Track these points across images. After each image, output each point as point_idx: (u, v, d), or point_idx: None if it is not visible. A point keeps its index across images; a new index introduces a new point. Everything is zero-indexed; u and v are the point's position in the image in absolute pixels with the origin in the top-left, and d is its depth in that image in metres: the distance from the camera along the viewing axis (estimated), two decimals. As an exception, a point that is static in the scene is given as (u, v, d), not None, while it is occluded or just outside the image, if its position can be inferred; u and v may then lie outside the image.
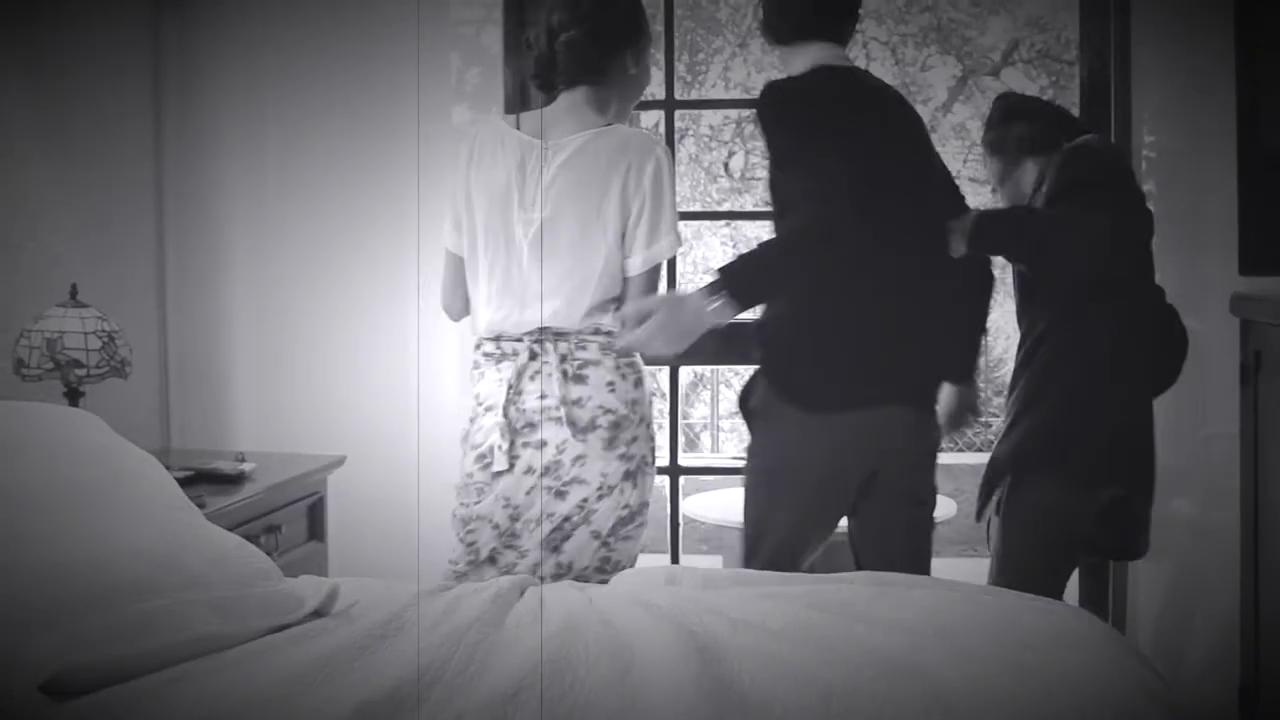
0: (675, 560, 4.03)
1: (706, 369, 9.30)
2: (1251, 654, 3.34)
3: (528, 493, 2.79)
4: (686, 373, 9.17)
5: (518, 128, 2.85)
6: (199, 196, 4.02)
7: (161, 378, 4.02)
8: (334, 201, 3.96)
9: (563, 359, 2.78)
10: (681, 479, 4.09)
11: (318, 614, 2.28)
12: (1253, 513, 3.33)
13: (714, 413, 9.29)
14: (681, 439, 4.10)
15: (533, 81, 2.96)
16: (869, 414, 2.86)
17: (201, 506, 2.82)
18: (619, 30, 2.85)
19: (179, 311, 4.03)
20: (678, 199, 2.82)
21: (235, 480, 3.26)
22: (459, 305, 2.96)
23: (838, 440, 2.86)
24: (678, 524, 4.07)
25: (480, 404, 2.86)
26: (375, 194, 3.93)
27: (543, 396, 2.78)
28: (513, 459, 2.80)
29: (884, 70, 12.01)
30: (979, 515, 3.27)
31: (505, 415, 2.79)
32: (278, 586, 2.42)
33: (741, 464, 3.13)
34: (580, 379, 2.78)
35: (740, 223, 10.99)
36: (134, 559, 2.27)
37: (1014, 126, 3.19)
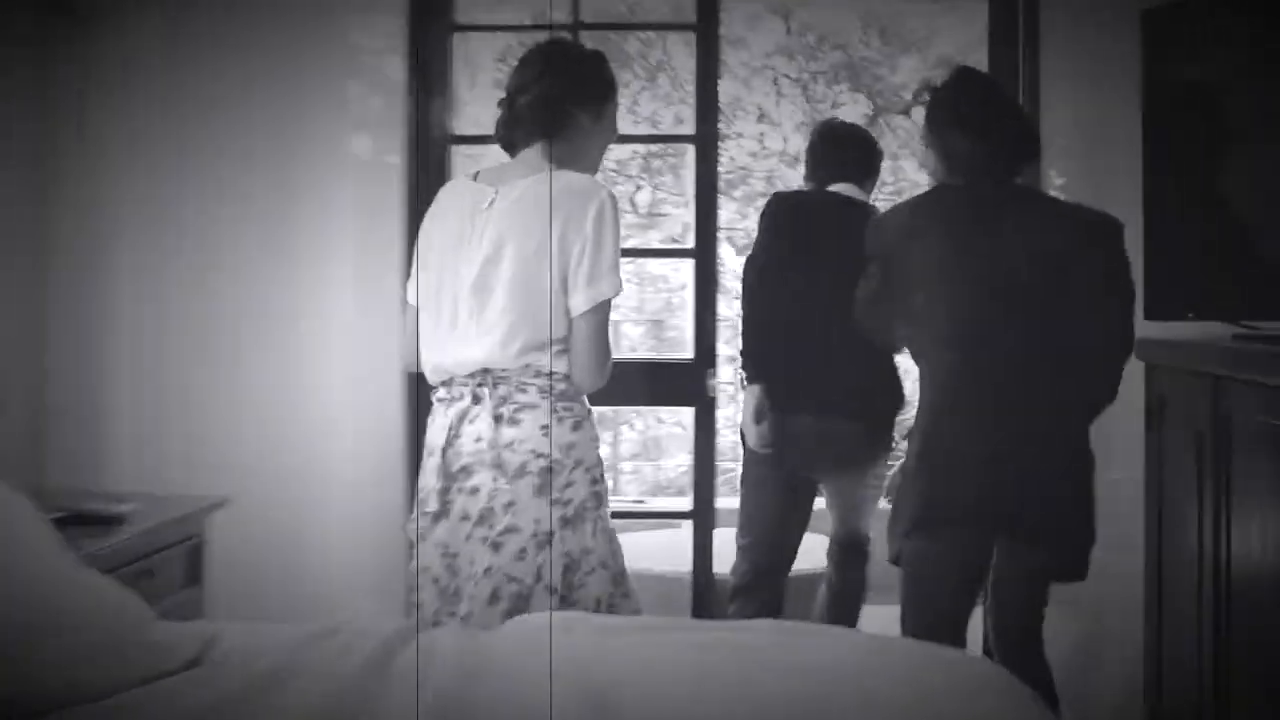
0: (574, 607, 4.01)
1: (608, 409, 9.27)
2: (1155, 700, 3.39)
3: (466, 539, 2.82)
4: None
5: (475, 180, 2.99)
6: (83, 230, 3.94)
7: (39, 414, 3.93)
8: (222, 236, 3.91)
9: (501, 401, 2.83)
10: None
11: (195, 663, 2.24)
12: (1156, 558, 3.39)
13: (615, 454, 9.28)
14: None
15: (498, 141, 3.07)
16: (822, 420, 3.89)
17: (76, 549, 2.75)
18: (574, 90, 2.98)
19: (58, 345, 3.95)
20: None
21: (112, 522, 3.19)
22: (417, 356, 3.03)
23: (802, 431, 3.89)
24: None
25: (427, 449, 2.94)
26: (266, 228, 3.90)
27: (478, 439, 2.82)
28: (446, 503, 2.85)
29: (795, 108, 12.14)
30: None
31: (442, 457, 2.86)
32: (154, 633, 2.37)
33: (642, 507, 3.22)
34: (514, 422, 2.82)
35: (645, 259, 11.01)
36: (4, 604, 2.21)
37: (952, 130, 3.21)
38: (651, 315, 10.86)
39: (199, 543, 3.48)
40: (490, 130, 3.09)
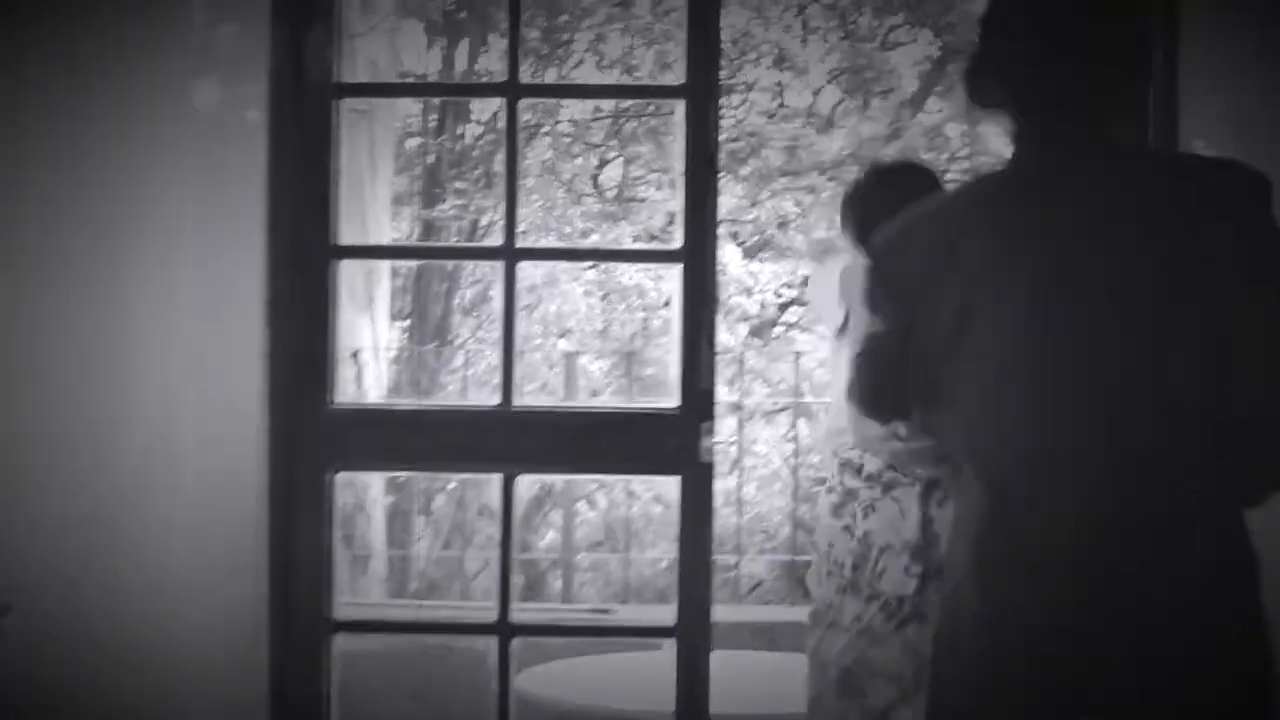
0: (505, 762, 4.02)
1: (558, 479, 9.26)
2: None
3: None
4: (529, 484, 9.06)
5: None
6: None
7: None
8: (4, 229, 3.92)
9: None
10: (515, 642, 4.09)
11: None
12: None
13: (567, 543, 9.27)
14: (518, 581, 4.10)
15: None
16: None
17: None
18: None
19: None
20: (520, 225, 2.84)
21: None
22: None
23: None
24: (507, 708, 4.06)
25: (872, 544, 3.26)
26: (70, 216, 3.88)
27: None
28: (920, 609, 3.09)
29: (827, 48, 12.23)
30: None
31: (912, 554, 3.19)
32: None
33: (606, 619, 3.22)
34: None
35: (613, 265, 10.96)
36: None
37: None
38: (621, 344, 10.89)
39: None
40: (394, 76, 3.09)
